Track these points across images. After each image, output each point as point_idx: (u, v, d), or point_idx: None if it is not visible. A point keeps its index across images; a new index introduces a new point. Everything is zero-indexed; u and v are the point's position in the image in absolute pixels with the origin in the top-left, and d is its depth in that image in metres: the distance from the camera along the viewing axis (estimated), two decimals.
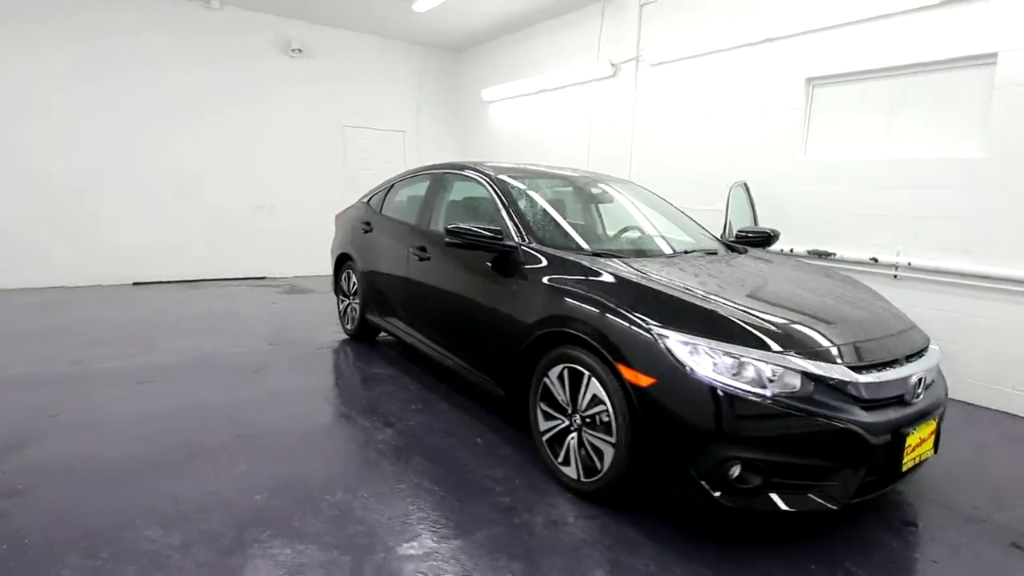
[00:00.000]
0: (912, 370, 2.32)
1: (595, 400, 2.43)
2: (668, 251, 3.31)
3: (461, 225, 3.09)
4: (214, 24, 7.48)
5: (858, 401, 2.14)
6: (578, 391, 2.51)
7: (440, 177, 4.05)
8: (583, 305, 2.51)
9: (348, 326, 4.99)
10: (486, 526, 2.32)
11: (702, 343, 2.15)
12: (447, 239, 3.14)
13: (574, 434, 2.57)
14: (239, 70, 7.70)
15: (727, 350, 2.12)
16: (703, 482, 2.10)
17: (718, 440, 2.06)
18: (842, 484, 2.11)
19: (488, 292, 3.13)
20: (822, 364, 2.13)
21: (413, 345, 3.97)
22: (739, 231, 3.96)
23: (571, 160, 7.07)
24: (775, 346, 2.13)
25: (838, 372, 2.12)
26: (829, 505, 2.10)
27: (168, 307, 6.09)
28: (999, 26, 3.76)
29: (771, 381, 2.07)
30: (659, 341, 2.21)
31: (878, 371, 2.23)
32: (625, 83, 6.43)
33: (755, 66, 5.17)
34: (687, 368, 2.12)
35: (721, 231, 4.39)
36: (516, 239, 3.07)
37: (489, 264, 3.13)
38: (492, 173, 3.58)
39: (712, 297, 2.39)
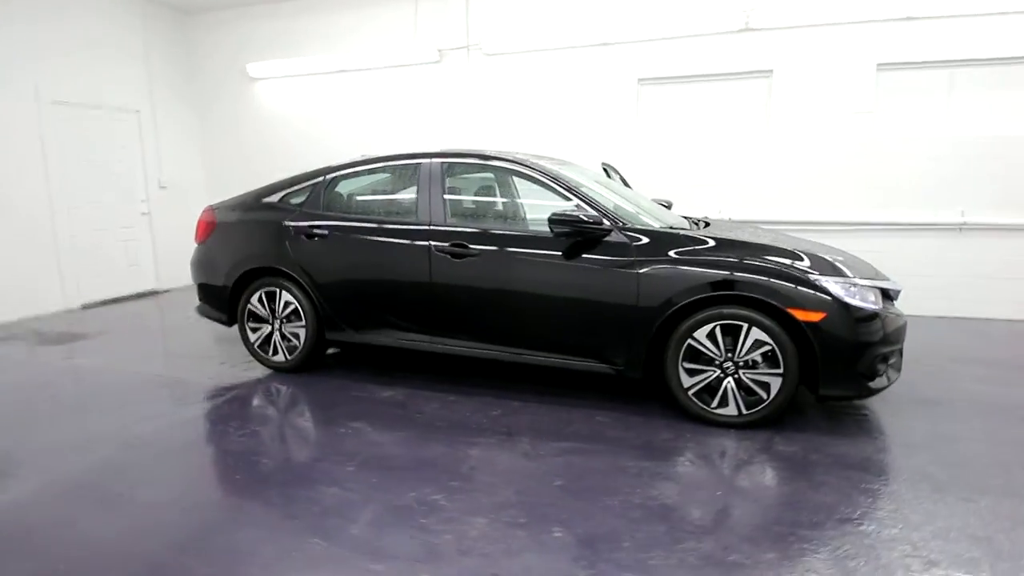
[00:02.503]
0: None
1: (756, 344, 2.97)
2: (666, 225, 3.69)
3: (567, 213, 3.12)
4: None
5: (893, 303, 3.28)
6: (736, 342, 3.00)
7: (431, 168, 3.69)
8: (748, 274, 2.97)
9: (279, 357, 4.02)
10: (659, 468, 2.66)
11: (843, 282, 2.94)
12: (555, 229, 3.13)
13: (729, 379, 3.06)
14: None
15: (855, 283, 2.96)
16: (862, 377, 2.93)
17: (871, 344, 2.91)
18: (898, 359, 3.23)
19: (588, 278, 3.23)
20: (886, 282, 3.18)
21: (428, 352, 3.64)
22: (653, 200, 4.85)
23: (380, 148, 6.82)
24: (867, 279, 3.07)
25: (892, 285, 3.21)
26: (895, 375, 3.19)
27: None
28: (775, 49, 5.55)
29: (874, 300, 3.01)
30: (822, 285, 2.90)
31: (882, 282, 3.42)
32: (453, 70, 6.57)
33: (592, 65, 6.10)
34: (844, 301, 2.88)
35: None
36: (608, 223, 3.25)
37: (561, 252, 3.24)
38: (529, 160, 3.56)
39: (803, 251, 3.18)
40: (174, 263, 7.48)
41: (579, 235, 3.19)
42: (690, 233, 3.24)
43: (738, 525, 2.27)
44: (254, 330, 4.07)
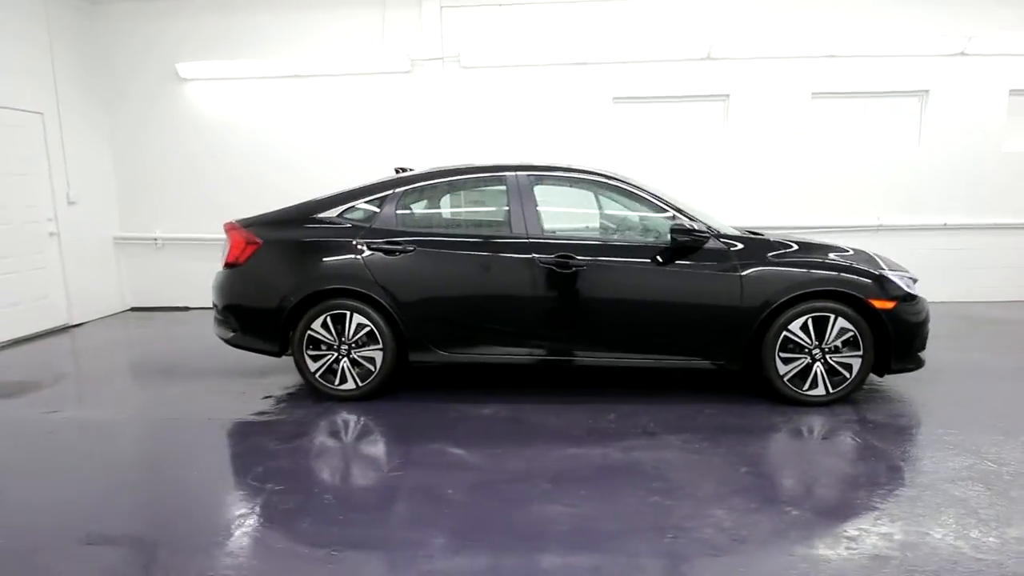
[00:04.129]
0: None
1: (841, 332, 3.48)
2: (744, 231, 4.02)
3: (686, 224, 3.40)
4: None
5: None
6: (824, 330, 3.49)
7: (518, 180, 3.71)
8: (834, 272, 3.46)
9: (347, 384, 3.71)
10: (804, 445, 3.14)
11: (901, 274, 3.56)
12: (679, 238, 3.40)
13: (818, 364, 3.53)
14: None
15: (907, 274, 3.61)
16: (918, 352, 3.58)
17: (923, 324, 3.56)
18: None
19: (684, 281, 3.52)
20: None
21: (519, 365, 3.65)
22: None
23: (340, 160, 6.51)
24: (904, 271, 3.75)
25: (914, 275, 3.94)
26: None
27: None
28: (732, 77, 6.32)
29: (917, 287, 3.68)
30: (890, 278, 3.49)
31: None
32: (426, 81, 6.46)
33: (569, 83, 6.41)
34: (905, 290, 3.50)
35: None
36: (706, 230, 3.57)
37: (662, 260, 3.51)
38: (618, 174, 3.75)
39: (856, 249, 3.78)
40: (88, 291, 6.36)
41: (688, 243, 3.46)
42: (776, 238, 3.67)
43: (915, 466, 2.70)
44: (316, 358, 3.71)
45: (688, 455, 3.00)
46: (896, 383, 3.95)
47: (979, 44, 6.01)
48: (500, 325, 3.66)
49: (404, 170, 4.69)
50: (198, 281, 6.82)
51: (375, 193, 3.81)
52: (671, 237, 3.45)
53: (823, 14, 6.14)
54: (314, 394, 3.85)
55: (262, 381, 4.20)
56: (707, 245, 3.52)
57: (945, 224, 6.40)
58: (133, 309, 7.01)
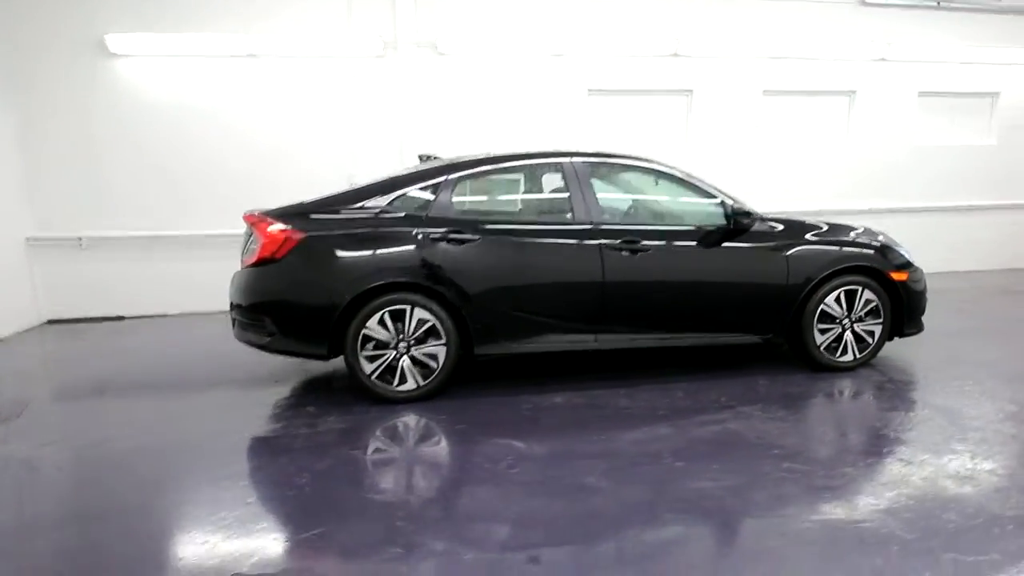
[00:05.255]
0: None
1: (867, 303, 3.88)
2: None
3: (744, 207, 3.60)
4: None
5: None
6: (854, 301, 3.86)
7: (575, 167, 3.70)
8: (860, 249, 3.84)
9: (407, 384, 3.47)
10: (861, 405, 3.54)
11: (906, 250, 4.03)
12: (741, 220, 3.61)
13: (848, 332, 3.90)
14: None
15: (909, 250, 4.10)
16: (921, 317, 4.07)
17: (924, 292, 4.05)
18: None
19: (739, 262, 3.73)
20: None
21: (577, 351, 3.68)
22: None
23: (306, 149, 6.09)
24: None
25: None
26: None
27: None
28: (695, 73, 6.71)
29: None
30: (901, 253, 3.94)
31: None
32: (400, 67, 6.16)
33: (546, 73, 6.44)
34: (912, 264, 3.97)
35: None
36: (757, 213, 3.79)
37: (714, 242, 3.71)
38: (659, 161, 3.87)
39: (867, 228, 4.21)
40: None
41: (744, 226, 3.66)
42: (809, 220, 3.98)
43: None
44: (371, 358, 3.43)
45: (776, 423, 3.18)
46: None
47: (896, 51, 6.92)
48: (567, 312, 3.63)
49: (428, 157, 4.48)
50: (138, 286, 6.05)
51: (427, 180, 3.60)
52: (733, 219, 3.63)
53: (773, 18, 6.72)
54: (358, 398, 3.54)
55: (276, 390, 3.83)
56: (754, 228, 3.75)
57: (870, 208, 7.29)
58: (51, 322, 5.98)
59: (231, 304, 3.67)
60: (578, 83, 6.51)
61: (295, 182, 6.02)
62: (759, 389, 3.67)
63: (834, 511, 2.30)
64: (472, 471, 2.79)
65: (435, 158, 4.46)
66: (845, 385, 3.74)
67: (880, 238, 4.06)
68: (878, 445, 2.93)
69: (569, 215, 3.64)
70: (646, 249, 3.62)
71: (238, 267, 4.16)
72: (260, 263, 3.42)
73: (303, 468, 2.74)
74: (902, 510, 2.28)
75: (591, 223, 3.61)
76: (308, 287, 3.38)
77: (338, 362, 3.53)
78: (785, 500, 2.40)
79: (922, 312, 4.07)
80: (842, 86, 7.05)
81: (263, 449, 3.03)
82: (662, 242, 3.66)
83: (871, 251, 3.88)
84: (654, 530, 2.22)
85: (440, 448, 3.06)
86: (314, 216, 3.48)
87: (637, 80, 6.63)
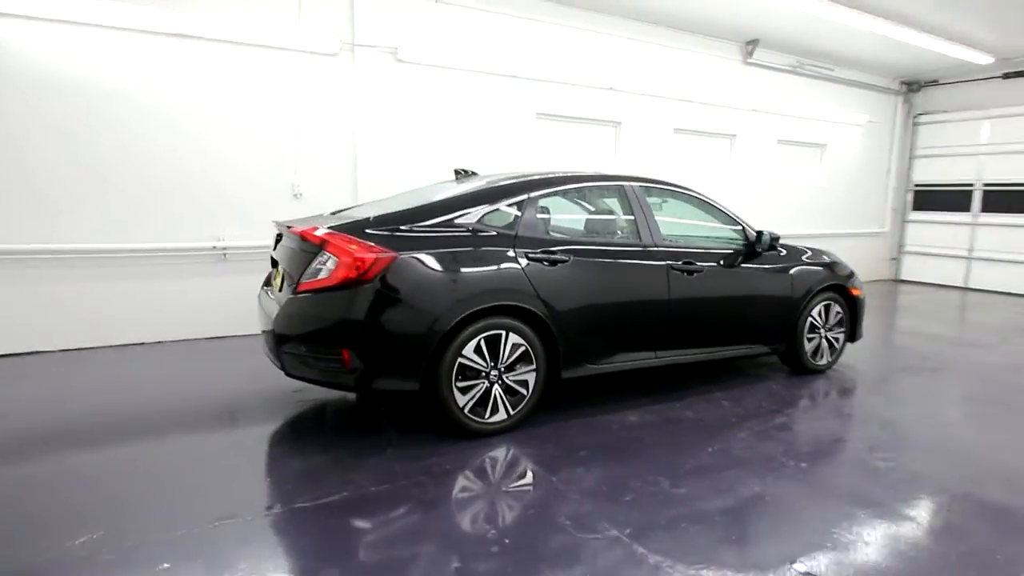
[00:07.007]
0: None
1: (836, 314, 4.67)
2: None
3: (774, 233, 4.11)
4: None
5: None
6: (829, 313, 4.61)
7: (635, 190, 3.88)
8: (839, 271, 4.59)
9: (498, 415, 3.25)
10: (860, 395, 4.34)
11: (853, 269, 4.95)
12: (775, 245, 4.08)
13: (823, 339, 4.65)
14: None
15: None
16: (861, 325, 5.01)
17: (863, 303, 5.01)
18: None
19: (762, 281, 4.24)
20: None
21: (637, 370, 3.81)
22: None
23: (240, 146, 5.31)
24: None
25: None
26: None
27: None
28: (624, 107, 7.31)
29: None
30: (855, 272, 4.82)
31: None
32: (357, 70, 5.68)
33: (500, 93, 6.46)
34: (859, 281, 4.88)
35: None
36: (776, 236, 4.32)
37: (741, 261, 4.20)
38: (692, 188, 4.22)
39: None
40: None
41: (763, 247, 4.16)
42: (799, 244, 4.64)
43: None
44: (465, 390, 3.15)
45: (821, 421, 3.69)
46: None
47: (765, 104, 8.38)
48: (639, 331, 3.74)
49: (465, 172, 4.25)
50: (18, 314, 4.59)
51: (512, 196, 3.43)
52: (768, 243, 4.11)
53: (684, 66, 7.65)
54: (432, 432, 3.24)
55: (304, 431, 3.28)
56: (770, 249, 4.29)
57: None
58: None
59: (277, 335, 3.06)
60: (528, 106, 6.65)
61: (232, 185, 5.23)
62: (780, 394, 4.18)
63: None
64: (628, 495, 2.73)
65: (473, 173, 4.25)
66: (831, 383, 4.45)
67: (825, 257, 4.90)
68: (904, 422, 3.59)
69: (637, 237, 3.77)
70: (700, 270, 3.92)
71: (270, 292, 3.55)
72: (338, 287, 2.92)
73: (501, 534, 2.43)
74: None
75: (655, 245, 3.79)
76: (405, 312, 2.98)
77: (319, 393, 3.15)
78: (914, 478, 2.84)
79: (861, 320, 5.01)
80: (728, 130, 8.30)
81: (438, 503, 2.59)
82: (709, 263, 3.99)
83: (842, 271, 4.69)
84: (875, 519, 2.46)
85: (570, 487, 2.91)
86: (397, 231, 3.09)
87: (579, 108, 7.01)
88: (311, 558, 2.17)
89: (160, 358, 4.77)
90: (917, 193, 10.51)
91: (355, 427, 3.41)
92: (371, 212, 3.36)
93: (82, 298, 4.85)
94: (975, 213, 9.61)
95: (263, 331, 3.52)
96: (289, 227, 3.30)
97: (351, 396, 3.88)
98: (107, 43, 4.71)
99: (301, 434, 3.34)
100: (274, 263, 3.83)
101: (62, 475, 2.80)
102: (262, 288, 3.93)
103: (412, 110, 6.00)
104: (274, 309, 3.27)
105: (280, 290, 3.39)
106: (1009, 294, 9.11)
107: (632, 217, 3.82)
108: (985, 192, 9.49)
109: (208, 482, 2.76)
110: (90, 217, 4.80)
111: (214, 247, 5.27)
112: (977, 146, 9.52)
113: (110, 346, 4.97)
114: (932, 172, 10.24)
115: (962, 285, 9.76)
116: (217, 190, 5.23)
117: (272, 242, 3.81)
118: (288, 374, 3.08)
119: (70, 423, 3.39)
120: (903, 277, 10.71)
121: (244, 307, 5.30)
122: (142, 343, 5.09)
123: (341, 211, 4.20)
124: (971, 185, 9.64)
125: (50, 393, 3.94)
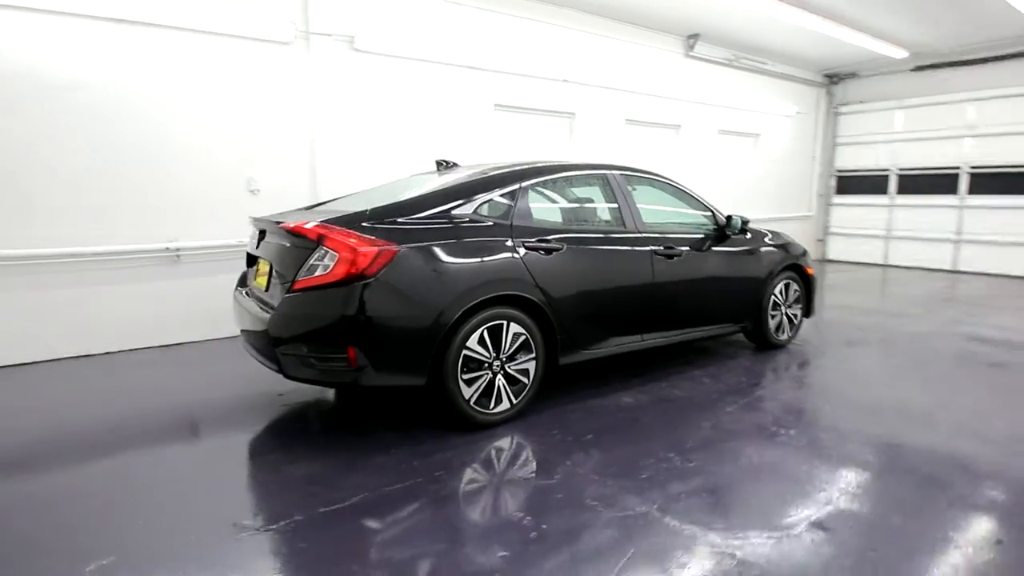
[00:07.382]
0: None
1: (794, 292, 4.97)
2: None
3: (745, 217, 4.31)
4: None
5: None
6: (788, 291, 4.91)
7: (617, 179, 3.97)
8: (795, 252, 4.87)
9: (502, 405, 3.25)
10: (823, 361, 4.69)
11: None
12: (746, 228, 4.27)
13: (783, 316, 4.94)
14: None
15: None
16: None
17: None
18: None
19: (732, 263, 4.44)
20: None
21: (622, 353, 3.88)
22: None
23: (181, 137, 4.97)
24: None
25: None
26: None
27: None
28: (577, 99, 7.42)
29: None
30: (807, 251, 5.14)
31: None
32: (312, 59, 5.45)
33: (458, 84, 6.39)
34: (812, 263, 5.23)
35: None
36: (746, 220, 4.51)
37: (712, 244, 4.40)
38: (666, 175, 4.36)
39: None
40: None
41: (733, 231, 4.37)
42: (760, 227, 4.89)
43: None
44: (470, 382, 3.13)
45: (796, 391, 3.95)
46: None
47: (706, 95, 8.75)
48: (628, 315, 3.83)
49: (447, 163, 4.19)
50: None
51: (504, 186, 3.42)
52: (739, 227, 4.30)
53: (633, 59, 7.86)
54: (431, 427, 3.21)
55: (294, 431, 3.18)
56: (738, 233, 4.50)
57: None
58: None
59: (272, 338, 2.92)
60: (487, 97, 6.63)
61: (183, 181, 4.92)
62: (753, 367, 4.43)
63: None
64: (660, 476, 2.81)
65: (454, 164, 4.19)
66: (793, 357, 4.75)
67: (782, 238, 5.20)
68: (865, 380, 3.89)
69: (622, 224, 3.86)
70: (680, 254, 4.06)
71: (249, 292, 3.39)
72: (339, 283, 2.82)
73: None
74: None
75: (638, 231, 3.90)
76: (410, 306, 2.91)
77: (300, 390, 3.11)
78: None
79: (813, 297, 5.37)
80: (674, 120, 8.60)
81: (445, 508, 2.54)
82: (686, 248, 4.14)
83: (798, 251, 4.99)
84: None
85: (594, 473, 2.97)
86: (395, 224, 3.02)
87: (535, 99, 7.05)
88: (347, 563, 2.10)
89: (114, 368, 4.42)
90: (840, 178, 11.32)
91: (347, 428, 3.30)
92: (357, 205, 3.27)
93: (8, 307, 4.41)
94: (892, 196, 10.48)
95: (245, 333, 3.35)
96: (278, 222, 3.14)
97: (331, 396, 3.77)
98: (42, 29, 4.28)
99: (297, 438, 3.21)
100: (251, 262, 3.65)
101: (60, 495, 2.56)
102: (237, 289, 3.73)
103: (370, 101, 5.83)
104: (258, 310, 3.13)
105: (267, 289, 3.23)
106: (924, 269, 10.01)
107: (616, 205, 3.90)
108: (900, 176, 10.36)
109: (211, 493, 2.60)
110: (20, 221, 4.36)
111: (166, 248, 4.93)
112: (892, 134, 10.36)
113: (59, 359, 4.56)
114: (853, 159, 11.06)
115: (882, 262, 10.62)
116: (164, 187, 4.89)
117: (249, 239, 3.61)
118: (287, 376, 2.95)
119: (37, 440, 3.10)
120: (830, 257, 11.51)
121: (203, 311, 5.02)
122: (88, 355, 4.70)
123: (316, 206, 4.05)
124: (887, 170, 10.50)
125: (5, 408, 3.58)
